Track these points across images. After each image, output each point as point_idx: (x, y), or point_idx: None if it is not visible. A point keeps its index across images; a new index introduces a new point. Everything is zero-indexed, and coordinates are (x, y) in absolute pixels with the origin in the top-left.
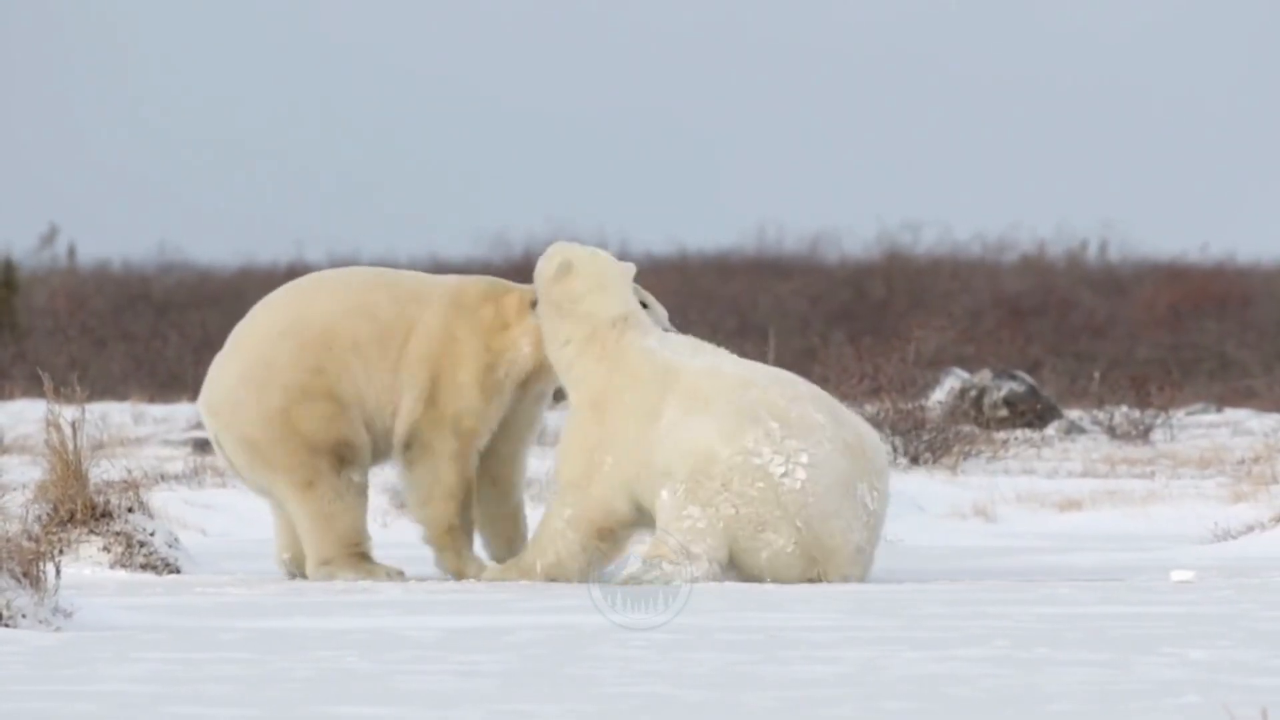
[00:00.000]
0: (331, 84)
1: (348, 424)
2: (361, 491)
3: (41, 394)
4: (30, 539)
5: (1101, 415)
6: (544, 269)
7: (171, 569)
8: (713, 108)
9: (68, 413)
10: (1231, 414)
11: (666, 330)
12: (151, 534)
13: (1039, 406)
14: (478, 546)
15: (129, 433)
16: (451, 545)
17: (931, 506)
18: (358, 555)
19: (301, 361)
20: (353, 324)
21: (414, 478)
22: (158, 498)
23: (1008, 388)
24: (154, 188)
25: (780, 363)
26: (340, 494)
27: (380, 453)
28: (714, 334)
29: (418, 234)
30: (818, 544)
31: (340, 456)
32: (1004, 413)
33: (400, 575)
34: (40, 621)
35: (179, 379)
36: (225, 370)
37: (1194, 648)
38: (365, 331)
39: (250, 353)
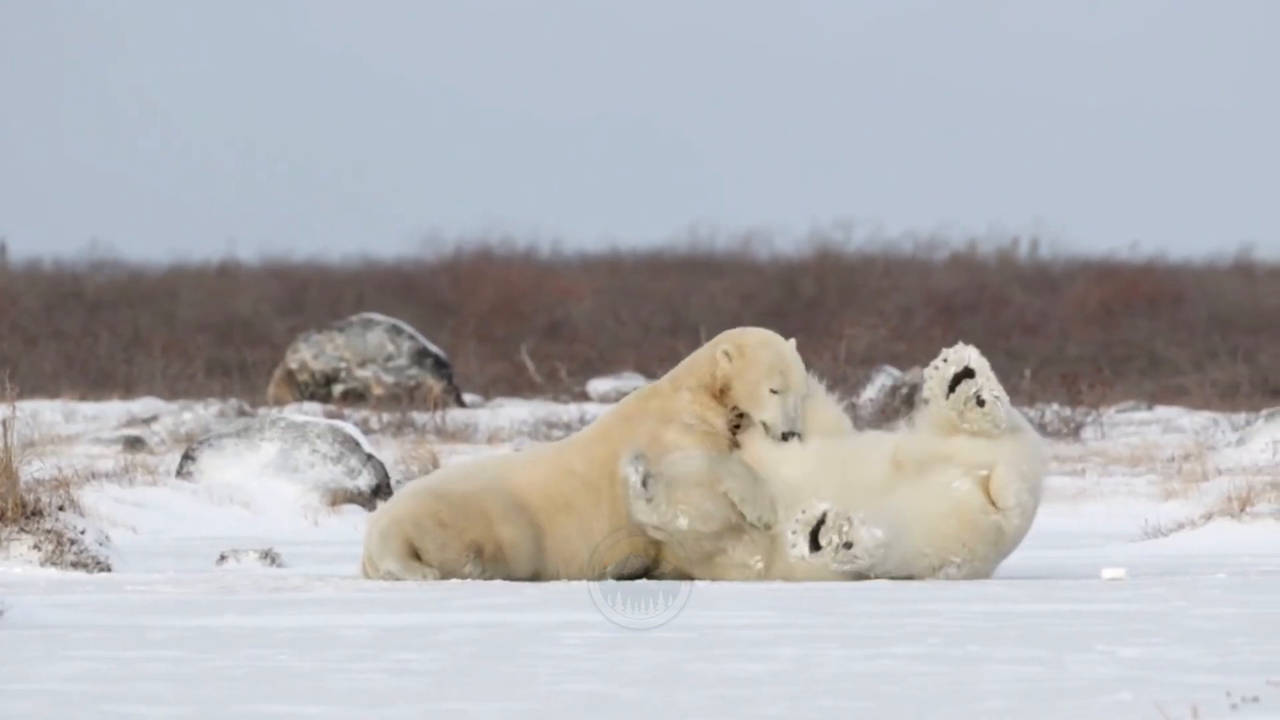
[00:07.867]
0: (263, 81)
1: (510, 561)
2: (476, 573)
3: None
4: None
5: (1033, 413)
6: None
7: (102, 567)
8: (645, 106)
9: None
10: (1162, 411)
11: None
12: (82, 532)
13: None
14: None
15: (60, 431)
16: None
17: None
18: (414, 559)
19: (508, 502)
20: (560, 483)
21: None
22: (88, 496)
23: None
24: (85, 186)
25: None
26: (458, 566)
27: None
28: (646, 333)
29: (350, 232)
30: None
31: (482, 549)
32: None
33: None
34: None
35: (110, 377)
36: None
37: (1126, 645)
38: (571, 488)
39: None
